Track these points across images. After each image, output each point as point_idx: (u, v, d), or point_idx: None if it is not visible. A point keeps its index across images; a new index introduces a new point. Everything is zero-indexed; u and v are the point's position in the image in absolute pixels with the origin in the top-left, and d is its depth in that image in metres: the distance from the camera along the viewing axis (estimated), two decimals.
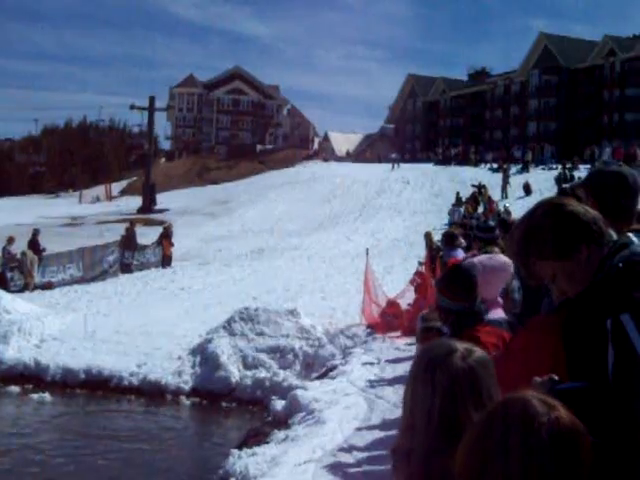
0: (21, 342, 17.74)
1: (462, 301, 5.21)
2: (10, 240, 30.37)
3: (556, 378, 2.59)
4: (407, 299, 18.73)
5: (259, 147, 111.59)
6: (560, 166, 56.29)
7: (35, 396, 15.56)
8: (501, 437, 1.96)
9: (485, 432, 2.01)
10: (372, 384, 13.25)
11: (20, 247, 30.49)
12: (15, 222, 46.68)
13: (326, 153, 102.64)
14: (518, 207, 32.69)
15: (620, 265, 2.89)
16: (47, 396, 15.56)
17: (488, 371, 2.44)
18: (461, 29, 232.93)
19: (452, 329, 5.24)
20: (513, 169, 58.60)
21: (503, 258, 7.10)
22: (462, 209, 39.18)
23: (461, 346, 2.50)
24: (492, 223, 12.08)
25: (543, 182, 49.33)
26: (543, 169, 61.13)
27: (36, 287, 28.33)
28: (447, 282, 5.47)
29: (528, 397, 2.02)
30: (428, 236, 20.03)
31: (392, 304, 18.94)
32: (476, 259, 7.39)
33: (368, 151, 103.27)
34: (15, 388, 16.06)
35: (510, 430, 1.95)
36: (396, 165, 67.99)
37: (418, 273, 18.64)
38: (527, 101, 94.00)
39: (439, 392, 2.37)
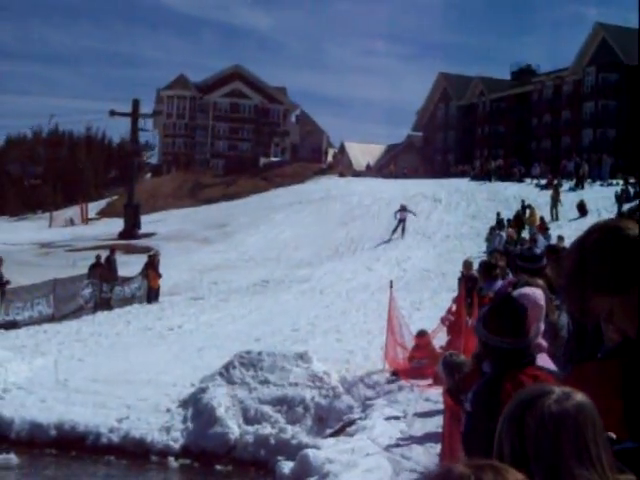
0: None
1: (509, 337, 5.21)
2: None
3: (614, 437, 2.59)
4: (440, 340, 18.66)
5: (262, 160, 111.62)
6: (621, 182, 56.12)
7: (1, 458, 15.51)
8: None
9: None
10: (398, 442, 13.26)
11: None
12: None
13: (342, 167, 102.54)
14: (571, 231, 32.72)
15: None
16: (13, 457, 15.54)
17: (589, 418, 2.42)
18: (502, 19, 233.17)
19: (495, 369, 5.25)
20: (565, 185, 58.03)
21: (536, 291, 7.07)
22: (504, 233, 39.04)
23: (559, 389, 2.50)
24: (538, 251, 12.10)
25: (601, 201, 49.24)
26: (601, 185, 60.85)
27: None
28: (492, 314, 5.48)
29: (459, 463, 2.08)
30: (466, 264, 20.00)
31: (422, 345, 18.88)
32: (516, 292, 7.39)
33: (392, 164, 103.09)
34: None
35: None
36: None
37: (451, 311, 18.58)
38: (581, 104, 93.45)
39: (530, 444, 2.37)
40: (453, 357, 7.56)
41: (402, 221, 49.93)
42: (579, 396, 2.46)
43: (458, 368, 7.62)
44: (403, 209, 50.54)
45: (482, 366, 5.96)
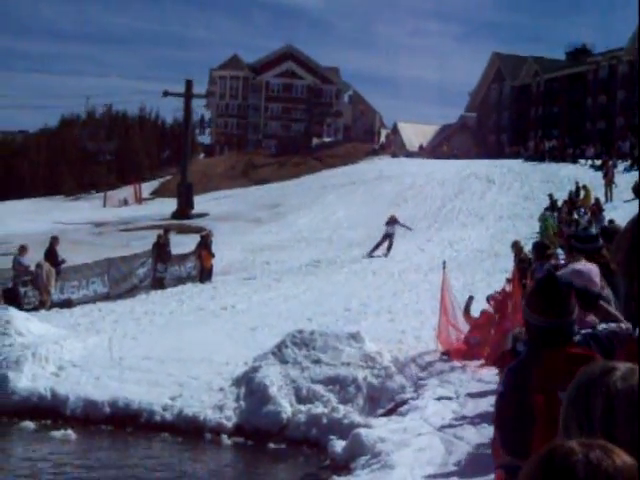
0: (36, 369, 17.91)
1: (550, 317, 5.19)
2: (22, 250, 30.48)
3: None
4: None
5: (315, 141, 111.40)
6: None
7: (57, 434, 15.66)
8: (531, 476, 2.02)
9: (526, 474, 2.06)
10: (450, 423, 13.25)
11: (35, 258, 30.79)
12: (29, 229, 47.23)
13: (395, 147, 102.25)
14: (626, 213, 32.41)
15: None
16: (71, 433, 15.69)
17: None
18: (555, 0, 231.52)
19: (531, 347, 5.24)
20: (620, 166, 57.57)
21: (591, 267, 7.05)
22: (556, 214, 38.83)
23: (622, 365, 2.49)
24: (594, 231, 12.04)
25: None
26: None
27: (53, 305, 28.54)
28: (537, 295, 5.46)
29: (567, 441, 2.07)
30: (516, 246, 19.95)
31: (485, 320, 18.82)
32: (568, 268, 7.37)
33: (445, 145, 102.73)
34: (30, 424, 16.21)
35: (539, 474, 2.01)
36: None
37: (504, 291, 18.50)
38: (636, 85, 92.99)
39: (599, 420, 2.37)
40: (522, 333, 7.52)
41: (389, 236, 40.90)
42: None
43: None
44: (393, 221, 41.92)
45: (516, 345, 5.96)
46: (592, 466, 1.99)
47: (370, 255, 39.23)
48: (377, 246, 39.93)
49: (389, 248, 39.84)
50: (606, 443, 2.09)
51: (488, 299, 18.74)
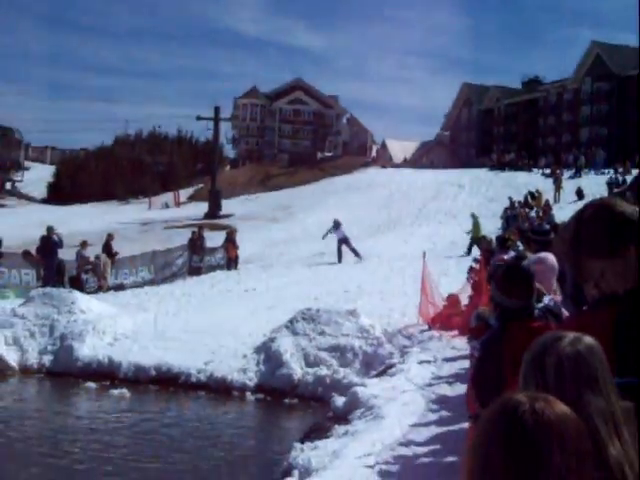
0: (95, 340, 17.98)
1: (517, 299, 5.23)
2: (84, 244, 30.72)
3: None
4: (464, 299, 18.64)
5: (319, 155, 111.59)
6: (612, 171, 55.94)
7: (114, 392, 15.75)
8: (487, 426, 2.05)
9: (480, 426, 2.10)
10: (429, 382, 13.25)
11: (94, 251, 30.89)
12: (89, 227, 47.27)
13: (384, 160, 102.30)
14: (570, 211, 32.30)
15: None
16: (125, 391, 15.77)
17: (598, 357, 2.44)
18: (513, 39, 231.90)
19: (501, 322, 5.28)
20: (566, 174, 57.85)
21: (552, 255, 7.10)
22: (515, 214, 38.88)
23: (570, 334, 2.51)
24: (547, 227, 12.04)
25: (595, 187, 48.63)
26: (595, 174, 60.63)
27: (109, 288, 28.65)
28: (505, 280, 5.48)
29: (517, 394, 2.11)
30: (484, 239, 19.90)
31: (452, 301, 18.90)
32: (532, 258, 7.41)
33: (424, 158, 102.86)
34: (92, 384, 16.31)
35: (492, 420, 2.05)
36: None
37: (473, 270, 18.54)
38: (579, 108, 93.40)
39: (551, 380, 2.38)
40: (485, 311, 7.55)
41: (343, 241, 35.96)
42: (588, 339, 2.47)
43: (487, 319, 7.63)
44: (337, 225, 36.87)
45: (489, 320, 5.98)
46: (537, 414, 2.01)
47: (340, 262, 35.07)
48: (340, 255, 35.75)
49: (354, 252, 35.62)
50: (548, 396, 2.12)
51: (468, 280, 18.76)
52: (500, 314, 5.36)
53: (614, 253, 2.95)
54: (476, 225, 35.99)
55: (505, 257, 11.66)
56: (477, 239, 31.65)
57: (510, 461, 1.98)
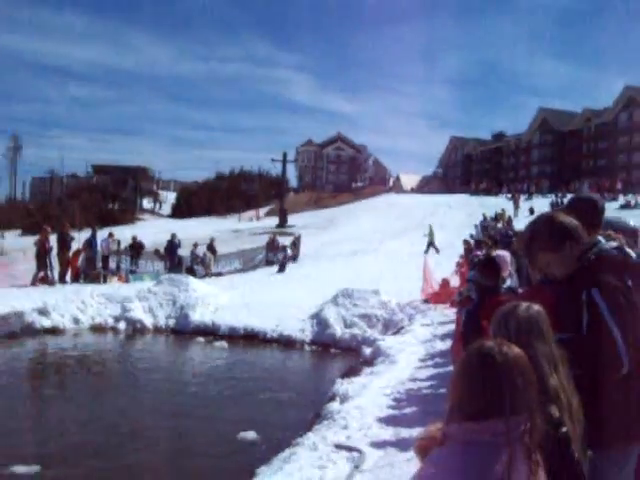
0: (203, 310, 18.12)
1: (492, 280, 5.25)
2: (195, 245, 31.11)
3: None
4: (453, 282, 18.55)
5: (353, 185, 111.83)
6: (554, 195, 55.67)
7: (217, 344, 15.84)
8: (468, 359, 2.11)
9: (462, 360, 2.17)
10: (428, 338, 13.22)
11: (202, 250, 31.16)
12: (198, 234, 47.61)
13: (397, 188, 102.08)
14: (525, 223, 31.86)
15: (592, 257, 2.92)
16: (224, 343, 15.86)
17: (543, 318, 2.47)
18: (486, 105, 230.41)
19: (480, 297, 5.30)
20: (522, 198, 57.65)
21: (506, 253, 7.07)
22: (487, 225, 38.52)
23: (524, 303, 2.54)
24: (510, 233, 12.02)
25: (542, 206, 47.78)
26: (542, 197, 60.34)
27: (212, 275, 28.87)
28: (483, 267, 5.50)
29: (488, 341, 2.17)
30: (466, 242, 19.79)
31: (444, 283, 18.85)
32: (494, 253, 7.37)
33: (425, 186, 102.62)
34: (201, 339, 16.40)
35: (472, 357, 2.11)
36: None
37: (459, 264, 18.45)
38: (531, 152, 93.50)
39: (512, 333, 2.41)
40: (465, 290, 7.54)
41: (282, 253, 32.17)
42: (536, 306, 2.51)
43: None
44: (274, 245, 34.91)
45: (470, 294, 6.00)
46: (503, 353, 2.05)
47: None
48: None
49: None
50: (508, 342, 2.14)
51: (456, 272, 18.70)
52: (478, 290, 5.39)
53: (556, 249, 2.97)
54: (431, 234, 36.91)
55: (479, 253, 11.62)
56: (431, 242, 35.66)
57: (482, 384, 2.01)
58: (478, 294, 5.53)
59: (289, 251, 35.63)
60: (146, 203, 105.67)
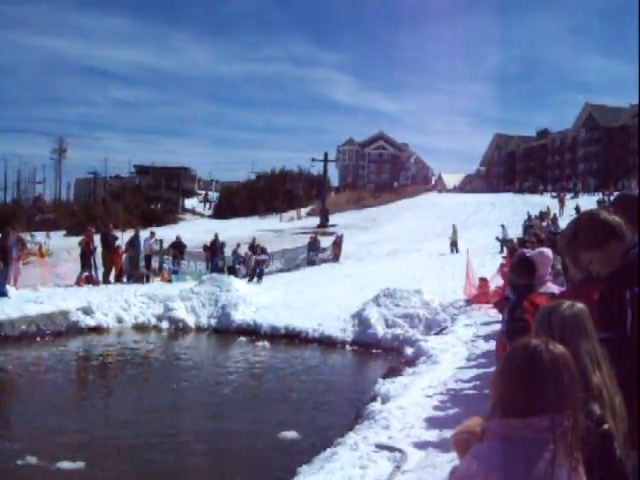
0: (245, 309, 18.25)
1: (526, 278, 5.23)
2: (237, 246, 31.33)
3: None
4: (495, 282, 18.38)
5: (395, 184, 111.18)
6: (600, 193, 54.81)
7: (258, 344, 15.96)
8: (513, 357, 2.12)
9: (505, 357, 2.17)
10: (471, 338, 13.12)
11: (244, 249, 31.37)
12: (240, 234, 48.00)
13: (440, 187, 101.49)
14: None
15: (635, 255, 2.89)
16: (266, 344, 15.95)
17: (586, 316, 2.47)
18: (530, 101, 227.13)
19: (517, 296, 5.28)
20: (567, 196, 56.73)
21: (548, 251, 6.99)
22: (532, 224, 38.12)
23: (567, 301, 2.54)
24: (556, 231, 11.91)
25: (589, 205, 47.09)
26: (588, 196, 59.41)
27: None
28: (517, 266, 5.49)
29: (533, 339, 2.17)
30: (511, 242, 19.57)
31: (482, 283, 18.70)
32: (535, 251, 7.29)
33: (468, 185, 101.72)
34: (243, 338, 16.55)
35: (517, 354, 2.12)
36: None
37: (502, 265, 18.26)
38: (577, 150, 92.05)
39: (556, 330, 2.41)
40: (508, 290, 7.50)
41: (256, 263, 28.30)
42: (579, 304, 2.50)
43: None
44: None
45: (508, 294, 5.97)
46: (549, 350, 2.05)
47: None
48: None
49: (258, 276, 27.24)
50: (553, 340, 2.14)
51: (498, 271, 18.54)
52: (516, 290, 5.38)
53: (599, 247, 2.94)
54: (455, 233, 37.32)
55: (526, 251, 11.45)
56: (454, 242, 36.43)
57: (528, 381, 2.03)
58: (515, 293, 5.51)
59: (330, 251, 35.74)
60: (196, 202, 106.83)
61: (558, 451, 1.98)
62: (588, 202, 49.47)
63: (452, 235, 37.31)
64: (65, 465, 7.51)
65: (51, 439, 8.53)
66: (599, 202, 45.88)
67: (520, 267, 5.49)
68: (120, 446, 8.48)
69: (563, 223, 31.87)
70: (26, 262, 24.79)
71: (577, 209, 45.53)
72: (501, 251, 32.68)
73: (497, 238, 35.06)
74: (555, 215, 41.29)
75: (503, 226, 37.08)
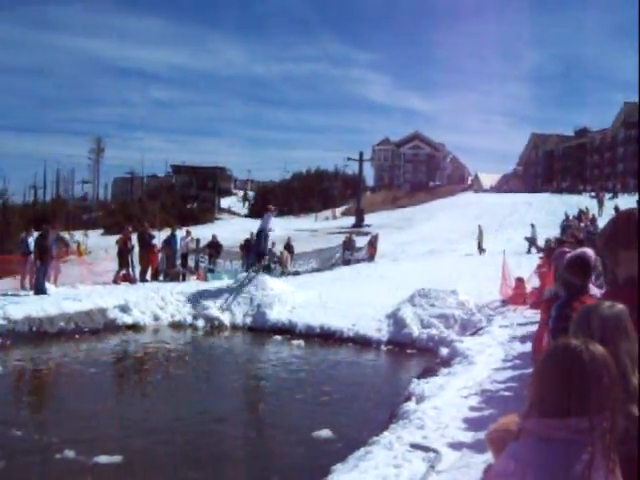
0: (280, 308, 18.30)
1: (580, 279, 5.18)
2: (273, 244, 31.36)
3: None
4: (532, 283, 18.20)
5: (431, 183, 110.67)
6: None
7: (294, 342, 15.99)
8: (552, 357, 2.11)
9: (545, 357, 2.16)
10: (507, 339, 13.00)
11: (279, 249, 31.49)
12: (276, 233, 48.23)
13: (476, 187, 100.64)
14: None
15: None
16: (301, 342, 15.98)
17: (626, 316, 2.45)
18: (568, 100, 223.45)
19: (568, 295, 5.22)
20: (606, 196, 55.94)
21: (591, 251, 6.91)
22: (570, 224, 37.65)
23: (607, 302, 2.52)
24: (595, 230, 11.72)
25: (628, 204, 46.36)
26: (628, 195, 58.49)
27: (289, 274, 29.14)
28: (573, 265, 5.42)
29: (572, 339, 2.15)
30: (548, 242, 19.33)
31: (518, 283, 18.52)
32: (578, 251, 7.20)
33: (505, 185, 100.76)
34: (278, 337, 16.61)
35: (557, 354, 2.10)
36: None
37: (539, 266, 18.06)
38: (616, 149, 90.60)
39: (596, 331, 2.39)
40: (551, 290, 7.42)
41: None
42: (619, 305, 2.47)
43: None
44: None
45: (558, 291, 5.91)
46: (590, 351, 2.04)
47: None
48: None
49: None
50: (592, 341, 2.13)
51: (535, 271, 18.36)
52: (568, 289, 5.34)
53: (638, 246, 2.90)
54: (480, 234, 37.26)
55: (567, 250, 11.31)
56: (479, 243, 36.66)
57: (568, 382, 2.02)
58: (568, 292, 5.44)
59: (365, 251, 35.71)
60: (232, 202, 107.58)
61: (596, 453, 1.96)
62: (628, 202, 48.62)
63: (478, 236, 37.28)
64: (103, 459, 7.65)
65: (89, 434, 8.69)
66: (639, 202, 45.14)
67: (576, 266, 5.44)
68: (155, 442, 8.60)
69: (602, 224, 31.38)
70: (65, 260, 25.26)
71: (616, 209, 44.76)
72: (528, 251, 32.47)
73: (526, 238, 34.78)
74: (594, 215, 40.69)
75: (533, 225, 36.80)
